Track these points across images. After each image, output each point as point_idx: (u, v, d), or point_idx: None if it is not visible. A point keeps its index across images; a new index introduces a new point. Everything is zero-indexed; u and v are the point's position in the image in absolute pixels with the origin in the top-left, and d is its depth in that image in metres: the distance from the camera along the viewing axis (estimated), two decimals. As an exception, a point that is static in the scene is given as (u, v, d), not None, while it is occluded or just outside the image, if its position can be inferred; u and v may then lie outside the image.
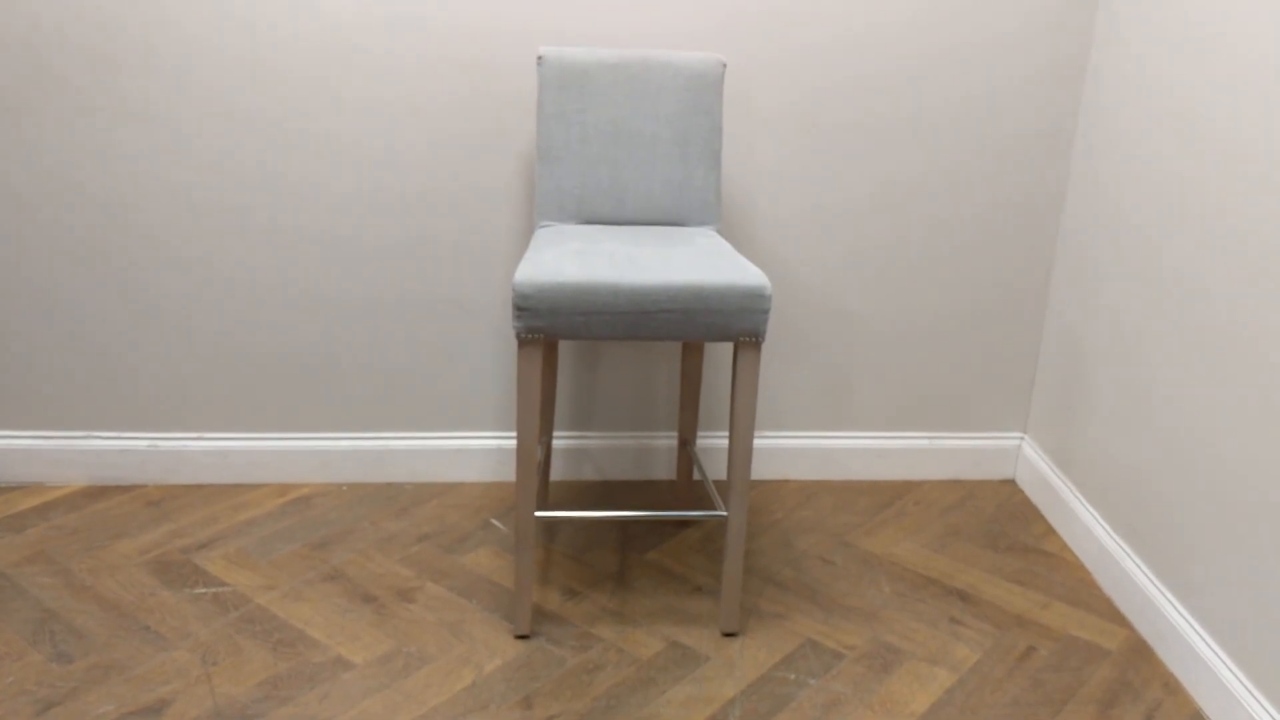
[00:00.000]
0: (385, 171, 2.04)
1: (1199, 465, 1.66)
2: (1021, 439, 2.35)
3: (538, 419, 1.61)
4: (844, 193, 2.13)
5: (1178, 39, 1.75)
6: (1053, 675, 1.69)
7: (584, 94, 1.83)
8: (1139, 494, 1.85)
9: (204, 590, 1.83)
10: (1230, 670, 1.56)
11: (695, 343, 1.99)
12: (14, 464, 2.16)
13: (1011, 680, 1.67)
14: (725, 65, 1.89)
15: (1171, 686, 1.67)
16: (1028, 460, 2.30)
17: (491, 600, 1.83)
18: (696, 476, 2.29)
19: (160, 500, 2.13)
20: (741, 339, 1.59)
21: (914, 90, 2.07)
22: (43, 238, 2.03)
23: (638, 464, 2.29)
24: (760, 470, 2.32)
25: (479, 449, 2.24)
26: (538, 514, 1.69)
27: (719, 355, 2.24)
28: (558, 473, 2.29)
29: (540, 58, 1.83)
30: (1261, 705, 1.48)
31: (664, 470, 2.31)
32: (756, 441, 2.29)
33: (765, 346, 2.22)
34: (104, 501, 2.12)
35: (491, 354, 2.19)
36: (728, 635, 1.76)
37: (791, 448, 2.30)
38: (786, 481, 2.32)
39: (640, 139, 1.85)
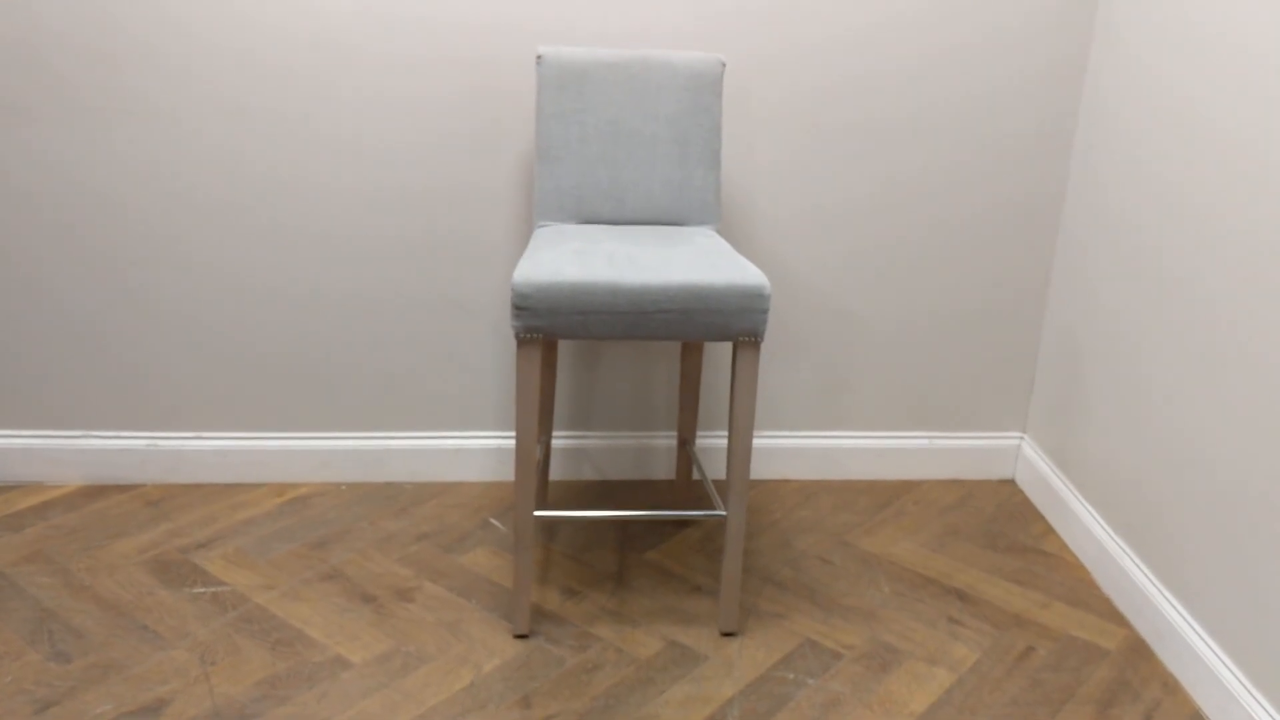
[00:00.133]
0: (384, 170, 2.03)
1: (1198, 465, 1.66)
2: (1021, 439, 2.35)
3: (537, 418, 1.61)
4: (843, 192, 2.13)
5: (1177, 39, 1.75)
6: (1052, 675, 1.69)
7: (583, 93, 1.83)
8: (1138, 494, 1.85)
9: (203, 590, 1.83)
10: (1229, 669, 1.55)
11: (694, 342, 1.99)
12: (13, 463, 2.16)
13: (1010, 680, 1.67)
14: (724, 65, 1.89)
15: (1170, 686, 1.67)
16: (1027, 460, 2.30)
17: (490, 600, 1.83)
18: (696, 476, 2.29)
19: (159, 500, 2.13)
20: (740, 339, 1.59)
21: (913, 90, 2.07)
22: (42, 236, 2.03)
23: (637, 464, 2.29)
24: (759, 470, 2.32)
25: (478, 449, 2.24)
26: (537, 513, 1.68)
27: (718, 355, 2.24)
28: (557, 472, 2.29)
29: (539, 57, 1.83)
30: (1260, 704, 1.48)
31: (663, 470, 2.31)
32: (756, 441, 2.29)
33: (764, 346, 2.22)
34: (103, 501, 2.12)
35: (490, 354, 2.18)
36: (726, 635, 1.76)
37: (791, 447, 2.30)
38: (786, 481, 2.32)
39: (639, 138, 1.85)
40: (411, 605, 1.80)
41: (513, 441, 2.25)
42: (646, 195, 1.86)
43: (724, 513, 1.70)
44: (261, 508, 2.11)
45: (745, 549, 2.03)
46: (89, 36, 1.91)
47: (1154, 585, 1.77)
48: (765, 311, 1.57)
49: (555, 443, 2.26)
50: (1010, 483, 2.36)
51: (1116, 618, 1.85)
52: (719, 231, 2.13)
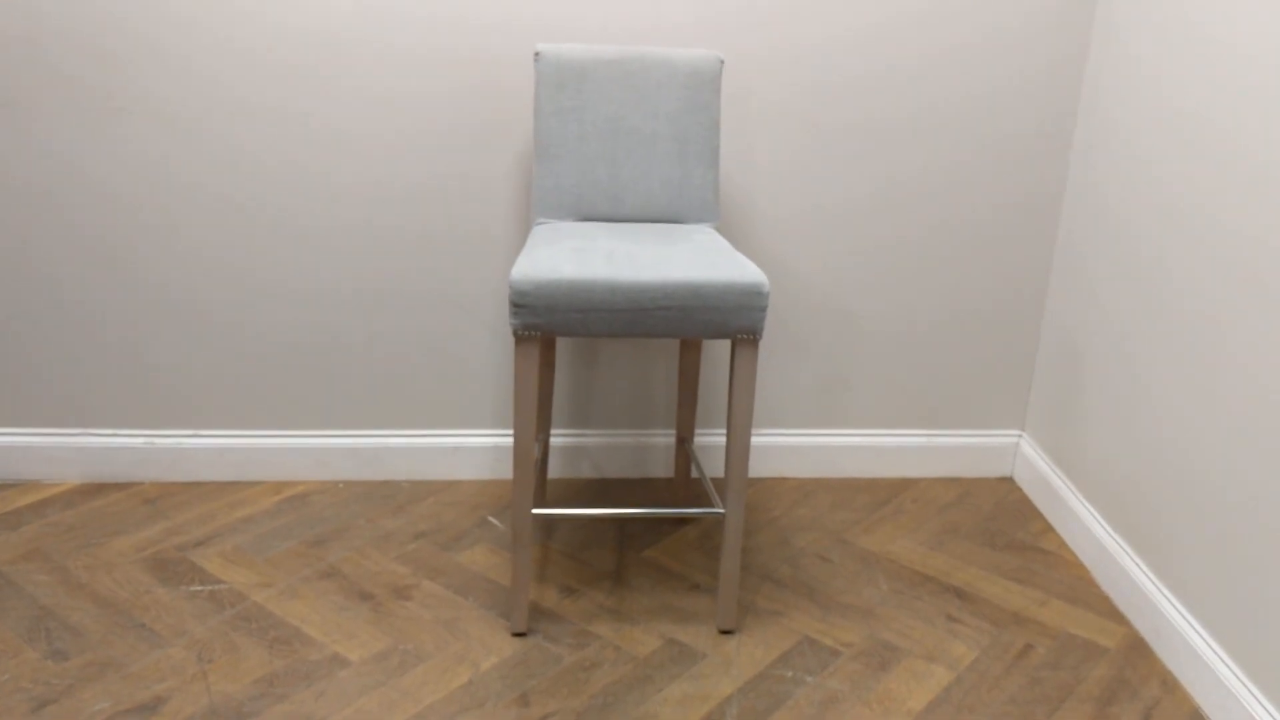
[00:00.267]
0: (383, 168, 2.03)
1: (1197, 463, 1.66)
2: (1019, 437, 2.34)
3: (535, 416, 1.61)
4: (842, 191, 2.12)
5: (1176, 40, 1.75)
6: (1050, 673, 1.68)
7: (582, 91, 1.83)
8: (1137, 492, 1.84)
9: (200, 588, 1.82)
10: (1228, 668, 1.55)
11: (693, 340, 1.99)
12: (10, 461, 2.16)
13: (1009, 678, 1.67)
14: (723, 62, 1.88)
15: (1169, 684, 1.67)
16: (1025, 458, 2.29)
17: (488, 598, 1.83)
18: (694, 474, 2.29)
19: (157, 498, 2.13)
20: (739, 336, 1.58)
21: (913, 89, 2.06)
22: (42, 232, 2.02)
23: (635, 462, 2.29)
24: (758, 468, 2.32)
25: (476, 447, 2.24)
26: (535, 511, 1.68)
27: (717, 353, 2.24)
28: (555, 470, 2.28)
29: (538, 54, 1.83)
30: (1260, 703, 1.48)
31: (662, 468, 2.31)
32: (754, 439, 2.29)
33: (763, 344, 2.22)
34: (100, 499, 2.11)
35: (489, 351, 2.18)
36: (725, 633, 1.75)
37: (789, 445, 2.30)
38: (784, 479, 2.32)
39: (638, 136, 1.85)
40: (409, 603, 1.80)
41: (511, 439, 2.25)
42: (645, 193, 1.86)
43: (722, 510, 1.70)
44: (259, 506, 2.11)
45: (744, 547, 2.03)
46: (92, 33, 1.90)
47: (1153, 583, 1.77)
48: (764, 309, 1.56)
49: (554, 441, 2.26)
50: (1009, 481, 2.36)
51: (1115, 616, 1.85)
52: (718, 230, 2.12)
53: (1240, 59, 1.57)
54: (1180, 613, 1.69)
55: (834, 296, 2.20)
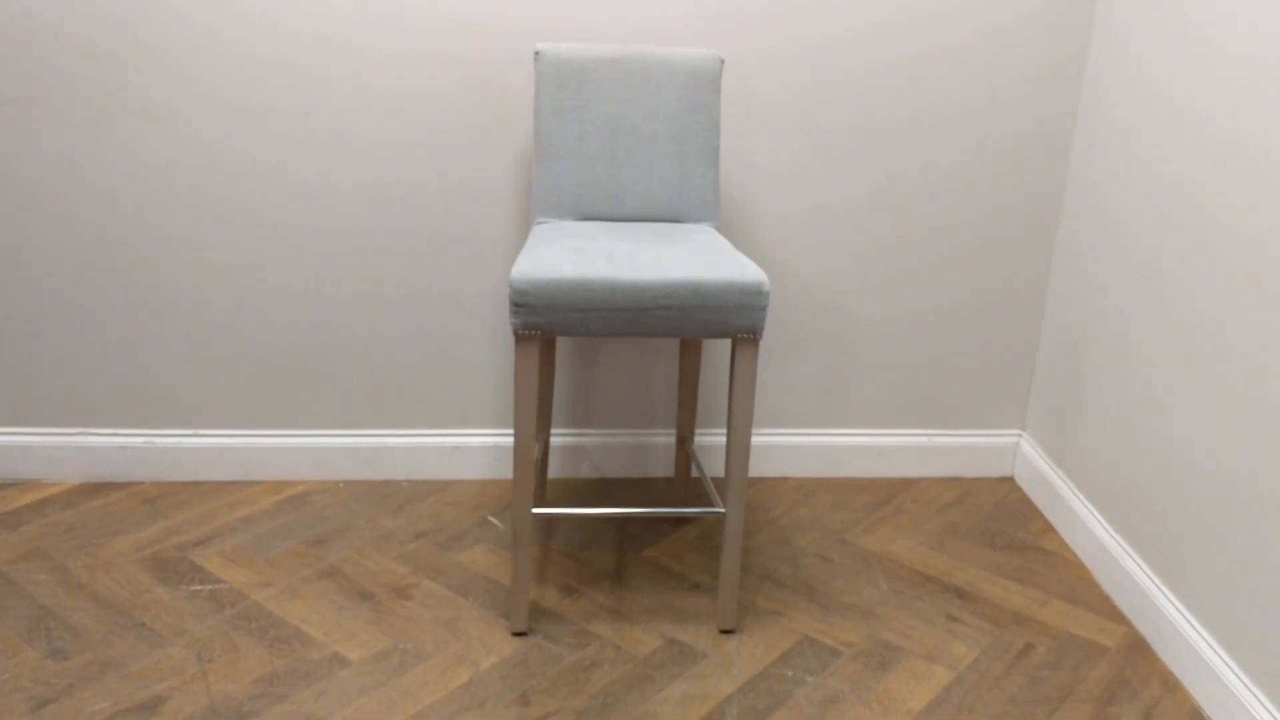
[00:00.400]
0: (382, 168, 2.03)
1: (1197, 462, 1.66)
2: (1019, 436, 2.34)
3: (535, 416, 1.60)
4: (842, 191, 2.12)
5: (1176, 40, 1.75)
6: (1051, 673, 1.68)
7: (581, 90, 1.83)
8: (1137, 491, 1.84)
9: (200, 587, 1.82)
10: (1229, 667, 1.55)
11: (693, 340, 1.99)
12: (10, 460, 2.15)
13: (1009, 678, 1.67)
14: (723, 62, 1.88)
15: (1170, 684, 1.67)
16: (1026, 458, 2.29)
17: (488, 597, 1.82)
18: (694, 474, 2.29)
19: (156, 497, 2.13)
20: (739, 336, 1.58)
21: (912, 89, 2.06)
22: (41, 232, 2.02)
23: (635, 461, 2.29)
24: (758, 468, 2.32)
25: (476, 446, 2.23)
26: (535, 511, 1.68)
27: (717, 352, 2.24)
28: (555, 470, 2.28)
29: (537, 54, 1.83)
30: (1260, 702, 1.48)
31: (662, 468, 2.31)
32: (755, 439, 2.29)
33: (763, 344, 2.22)
34: (100, 498, 2.11)
35: (489, 351, 2.18)
36: (725, 632, 1.75)
37: (789, 445, 2.30)
38: (784, 479, 2.32)
39: (638, 135, 1.84)
40: (409, 603, 1.80)
41: (511, 439, 2.25)
42: (645, 192, 1.86)
43: (722, 510, 1.70)
44: (259, 505, 2.11)
45: (744, 547, 2.03)
46: (90, 33, 1.90)
47: (1153, 583, 1.77)
48: (764, 308, 1.56)
49: (554, 440, 2.26)
50: (1009, 480, 2.36)
51: (1116, 615, 1.85)
52: (718, 229, 2.12)
53: (1239, 58, 1.57)
54: (1181, 612, 1.69)
55: (834, 296, 2.20)
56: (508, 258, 2.11)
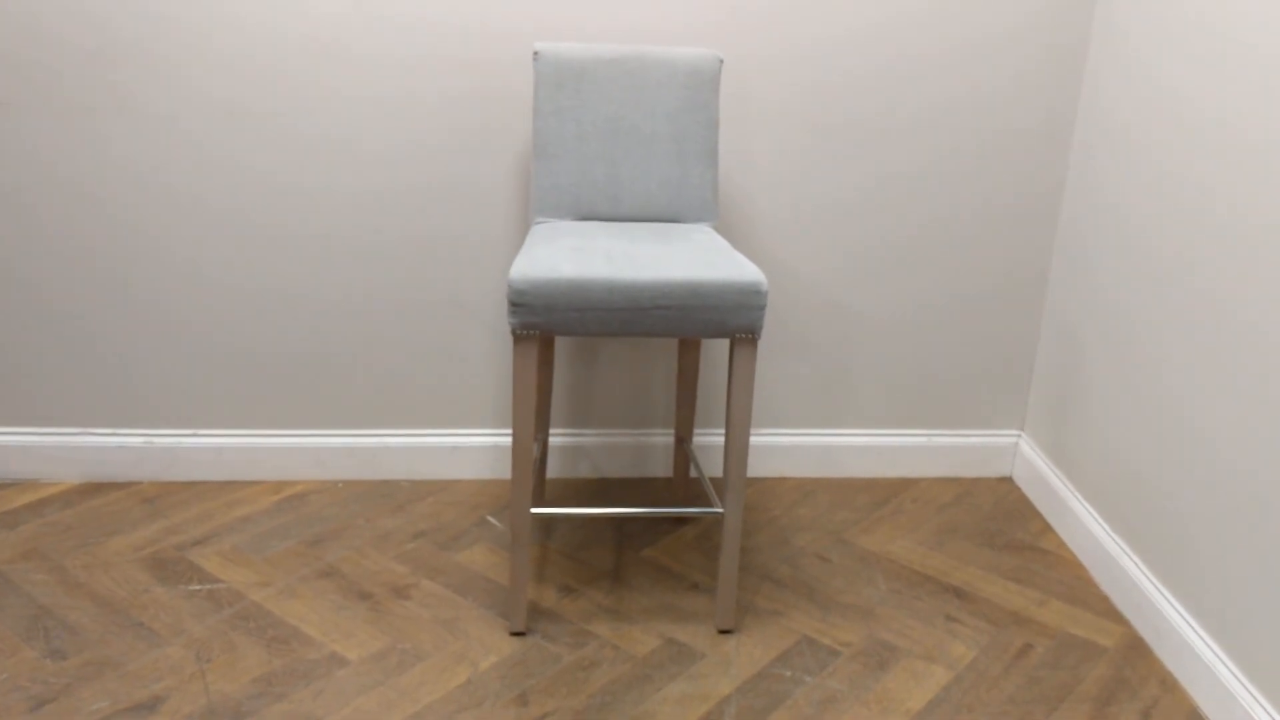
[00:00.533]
0: (380, 168, 2.03)
1: (1197, 462, 1.66)
2: (1019, 436, 2.34)
3: (533, 416, 1.60)
4: (842, 189, 2.12)
5: (1176, 33, 1.75)
6: (1049, 673, 1.68)
7: (580, 90, 1.83)
8: (1136, 491, 1.84)
9: (198, 587, 1.82)
10: (1227, 667, 1.55)
11: (692, 340, 1.99)
12: (9, 460, 2.15)
13: (1008, 678, 1.67)
14: (722, 61, 1.88)
15: (1168, 684, 1.67)
16: (1025, 458, 2.29)
17: (487, 597, 1.82)
18: (693, 474, 2.29)
19: (155, 497, 2.13)
20: (738, 336, 1.58)
21: (912, 86, 2.06)
22: (38, 235, 2.02)
23: (634, 461, 2.29)
24: (757, 468, 2.32)
25: (475, 446, 2.23)
26: (534, 511, 1.68)
27: (716, 352, 2.24)
28: (554, 470, 2.28)
29: (536, 54, 1.83)
30: (1259, 702, 1.48)
31: (660, 468, 2.30)
32: (754, 439, 2.29)
33: (762, 343, 2.22)
34: (99, 498, 2.11)
35: (487, 351, 2.18)
36: (723, 632, 1.75)
37: (788, 445, 2.30)
38: (783, 479, 2.32)
39: (637, 135, 1.84)
40: (408, 603, 1.80)
41: (510, 439, 2.25)
42: (644, 192, 1.86)
43: (721, 510, 1.70)
44: (258, 505, 2.11)
45: (743, 546, 2.03)
46: (82, 34, 1.90)
47: (1152, 583, 1.77)
48: (762, 308, 1.56)
49: (553, 440, 2.26)
50: (1008, 480, 2.36)
51: (1114, 615, 1.85)
52: (716, 229, 2.12)
53: (1237, 53, 1.57)
54: (1179, 612, 1.69)
55: (833, 295, 2.20)
56: (506, 258, 2.11)
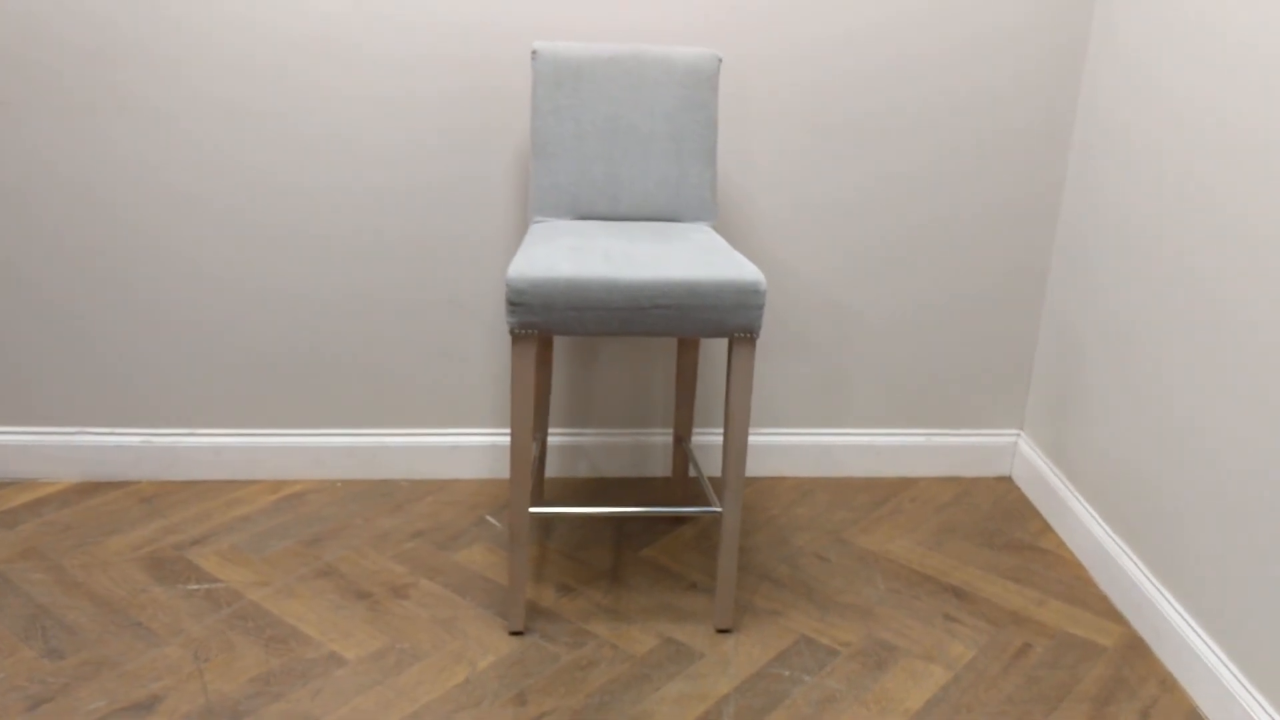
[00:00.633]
0: (379, 167, 2.03)
1: (1196, 462, 1.66)
2: (1018, 436, 2.34)
3: (532, 415, 1.60)
4: (841, 189, 2.12)
5: (1175, 33, 1.75)
6: (1048, 672, 1.68)
7: (579, 89, 1.83)
8: (1136, 491, 1.84)
9: (196, 586, 1.82)
10: (1226, 667, 1.55)
11: (690, 339, 1.99)
12: (7, 459, 2.15)
13: (1007, 677, 1.67)
14: (721, 61, 1.88)
15: (1168, 684, 1.66)
16: (1024, 457, 2.29)
17: (485, 597, 1.82)
18: (692, 473, 2.29)
19: (153, 496, 2.12)
20: (736, 335, 1.58)
21: (911, 86, 2.06)
22: (37, 234, 2.02)
23: (633, 461, 2.29)
24: (756, 467, 2.31)
25: (474, 446, 2.23)
26: (532, 510, 1.68)
27: (715, 352, 2.24)
28: (553, 469, 2.28)
29: (535, 52, 1.83)
30: (1258, 702, 1.47)
31: (659, 467, 2.30)
32: (753, 438, 2.29)
33: (761, 343, 2.22)
34: (97, 498, 2.11)
35: (486, 350, 2.18)
36: (722, 632, 1.75)
37: (787, 444, 2.30)
38: (782, 478, 2.32)
39: (635, 134, 1.84)
40: (406, 602, 1.80)
41: (508, 438, 2.24)
42: (642, 191, 1.86)
43: (720, 510, 1.70)
44: (256, 505, 2.11)
45: (741, 546, 2.03)
46: (82, 34, 1.90)
47: (1151, 583, 1.77)
48: (761, 308, 1.56)
49: (551, 439, 2.25)
50: (1007, 480, 2.35)
51: (1113, 615, 1.85)
52: (715, 228, 2.12)
53: (1237, 52, 1.57)
54: (1178, 612, 1.69)
55: (832, 294, 2.20)
56: (505, 257, 2.11)
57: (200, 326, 2.11)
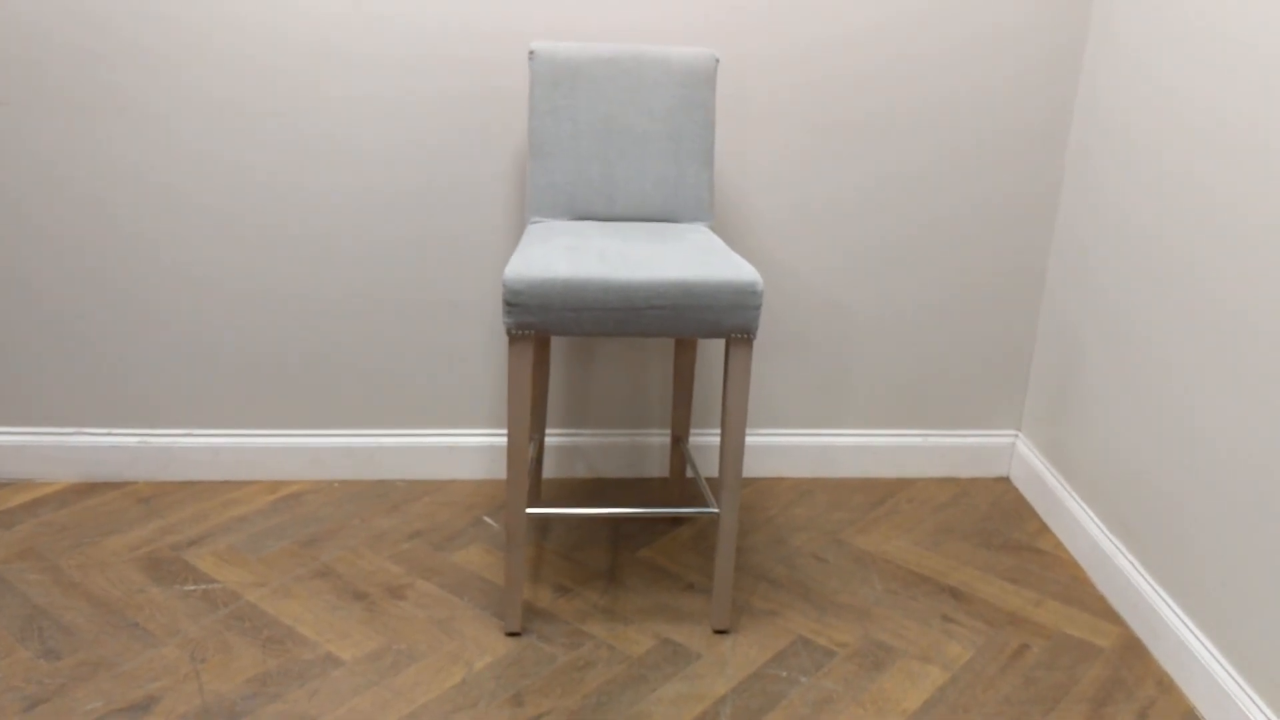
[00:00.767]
0: (376, 168, 2.03)
1: (1194, 463, 1.66)
2: (1016, 436, 2.34)
3: (528, 416, 1.60)
4: (838, 189, 2.12)
5: (1173, 32, 1.75)
6: (1045, 673, 1.68)
7: (576, 89, 1.83)
8: (1133, 491, 1.84)
9: (193, 587, 1.82)
10: (1224, 668, 1.55)
11: (687, 339, 1.99)
12: (4, 460, 2.15)
13: (1004, 678, 1.67)
14: (718, 61, 1.88)
15: (1165, 684, 1.66)
16: (1022, 458, 2.29)
17: (482, 597, 1.82)
18: (689, 474, 2.29)
19: (150, 497, 2.12)
20: (733, 335, 1.58)
21: (908, 85, 2.06)
22: (33, 235, 2.02)
23: (630, 461, 2.29)
24: (754, 468, 2.31)
25: (471, 446, 2.23)
26: (529, 511, 1.68)
27: (712, 352, 2.24)
28: (550, 470, 2.28)
29: (532, 53, 1.83)
30: (1255, 703, 1.47)
31: (656, 468, 2.30)
32: (750, 439, 2.29)
33: (758, 343, 2.22)
34: (94, 498, 2.11)
35: (483, 351, 2.18)
36: (719, 632, 1.75)
37: (785, 445, 2.30)
38: (780, 479, 2.32)
39: (632, 134, 1.84)
40: (403, 603, 1.80)
41: (505, 439, 2.24)
42: (639, 192, 1.85)
43: (717, 510, 1.69)
44: (253, 505, 2.11)
45: (738, 546, 2.03)
46: (82, 34, 1.90)
47: (1149, 583, 1.77)
48: (758, 308, 1.56)
49: (548, 440, 2.25)
50: (1005, 480, 2.35)
51: (1111, 616, 1.85)
52: (712, 228, 2.12)
53: (1235, 50, 1.57)
54: (1176, 613, 1.69)
55: (829, 294, 2.20)
56: (501, 257, 2.11)
57: (197, 327, 2.11)
